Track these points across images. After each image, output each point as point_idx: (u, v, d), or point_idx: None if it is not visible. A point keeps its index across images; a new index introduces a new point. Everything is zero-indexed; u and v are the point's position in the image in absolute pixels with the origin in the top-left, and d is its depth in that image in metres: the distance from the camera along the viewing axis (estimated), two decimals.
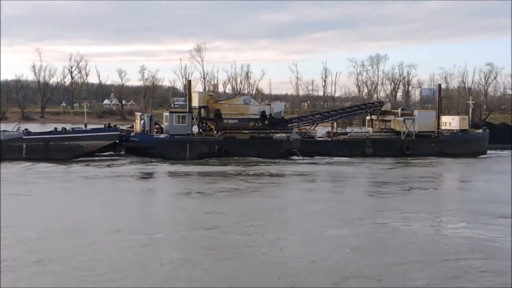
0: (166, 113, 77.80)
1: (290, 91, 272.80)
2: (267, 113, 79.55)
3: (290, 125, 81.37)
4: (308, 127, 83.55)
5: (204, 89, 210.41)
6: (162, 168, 65.12)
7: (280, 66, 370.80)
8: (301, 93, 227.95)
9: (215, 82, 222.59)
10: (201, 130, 78.24)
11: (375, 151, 79.57)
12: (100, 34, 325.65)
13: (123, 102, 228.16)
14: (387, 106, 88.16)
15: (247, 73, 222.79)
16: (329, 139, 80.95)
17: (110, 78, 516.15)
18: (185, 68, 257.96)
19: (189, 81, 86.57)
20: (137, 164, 68.69)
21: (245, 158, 73.43)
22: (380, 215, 38.62)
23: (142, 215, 38.11)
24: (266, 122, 79.07)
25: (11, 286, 23.08)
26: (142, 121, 76.46)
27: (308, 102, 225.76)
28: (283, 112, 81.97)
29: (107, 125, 79.42)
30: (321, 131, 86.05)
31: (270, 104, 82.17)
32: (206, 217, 36.88)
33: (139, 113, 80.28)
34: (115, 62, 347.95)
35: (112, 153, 75.43)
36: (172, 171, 62.70)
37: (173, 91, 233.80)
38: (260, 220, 35.71)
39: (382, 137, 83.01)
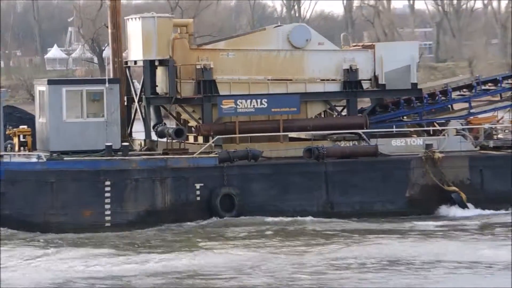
0: (41, 87, 40.37)
1: None
2: (366, 75, 38.53)
3: (447, 109, 40.97)
4: (497, 114, 41.07)
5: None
6: (17, 271, 29.35)
7: None
8: None
9: None
10: (154, 137, 39.42)
11: None
12: None
13: (105, 49, 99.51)
14: None
15: None
16: None
17: None
18: None
19: None
20: None
21: (289, 219, 35.68)
22: None
23: None
24: (362, 106, 40.37)
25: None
26: None
27: None
28: (416, 72, 38.70)
29: None
30: None
31: (373, 48, 39.32)
32: None
33: None
34: None
35: None
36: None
37: (264, 11, 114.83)
38: None
39: None
